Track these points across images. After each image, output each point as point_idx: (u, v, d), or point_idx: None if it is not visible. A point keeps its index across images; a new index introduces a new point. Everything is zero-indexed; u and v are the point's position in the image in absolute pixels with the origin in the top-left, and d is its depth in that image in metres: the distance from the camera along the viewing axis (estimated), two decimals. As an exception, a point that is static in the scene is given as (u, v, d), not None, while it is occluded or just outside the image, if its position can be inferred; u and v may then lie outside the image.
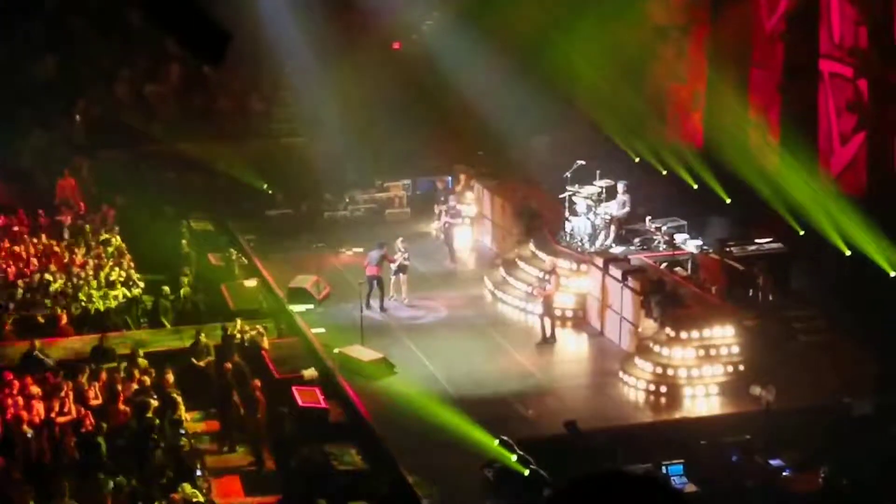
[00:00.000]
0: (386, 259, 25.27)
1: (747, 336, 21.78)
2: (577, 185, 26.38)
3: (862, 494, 17.81)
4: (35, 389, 19.96)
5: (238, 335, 22.69)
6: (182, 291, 25.46)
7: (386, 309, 25.18)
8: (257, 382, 20.38)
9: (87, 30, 34.51)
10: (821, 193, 23.93)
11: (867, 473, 18.06)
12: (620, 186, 26.30)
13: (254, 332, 22.59)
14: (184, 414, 19.58)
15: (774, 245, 24.37)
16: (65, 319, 24.13)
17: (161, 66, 34.71)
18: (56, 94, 32.85)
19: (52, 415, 19.17)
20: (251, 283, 26.65)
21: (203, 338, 22.28)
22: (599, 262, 24.00)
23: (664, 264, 25.00)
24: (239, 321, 23.22)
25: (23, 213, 29.21)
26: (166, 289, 25.36)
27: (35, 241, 28.19)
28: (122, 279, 26.11)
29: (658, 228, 26.04)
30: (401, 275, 25.60)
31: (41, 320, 24.20)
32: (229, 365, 20.97)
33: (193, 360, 21.96)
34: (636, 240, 26.05)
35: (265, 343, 22.46)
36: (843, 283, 23.42)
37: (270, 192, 32.63)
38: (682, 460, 18.37)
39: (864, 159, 23.50)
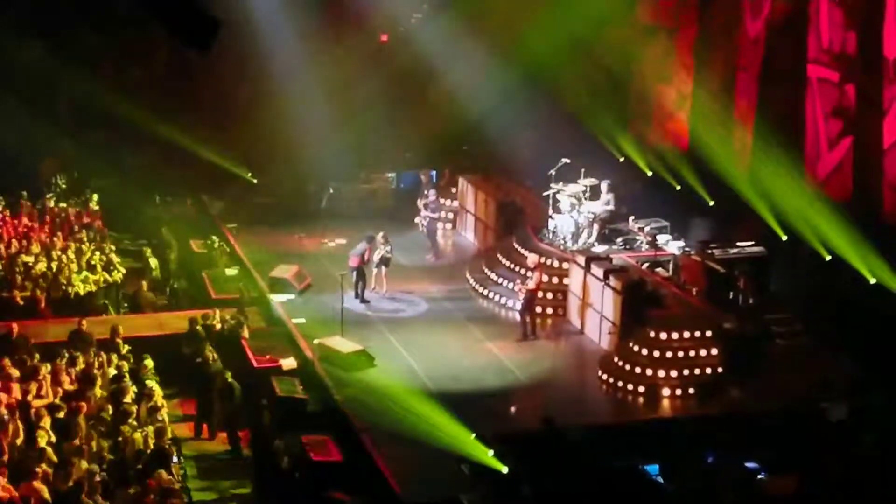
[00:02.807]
0: (366, 255, 25.29)
1: (726, 338, 21.86)
2: (561, 183, 26.45)
3: (836, 498, 17.88)
4: (13, 372, 19.87)
5: (218, 324, 22.66)
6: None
7: (367, 300, 25.20)
8: (227, 373, 20.35)
9: (73, 12, 34.30)
10: (804, 198, 24.01)
11: (841, 477, 18.13)
12: (604, 185, 26.37)
13: (234, 322, 22.55)
14: (161, 401, 19.52)
15: (756, 248, 24.45)
16: (44, 302, 24.07)
17: (147, 51, 34.56)
18: (41, 76, 32.68)
19: (29, 398, 19.09)
20: (232, 271, 26.66)
21: (199, 327, 22.15)
22: (581, 260, 24.05)
23: (646, 265, 25.07)
24: (217, 311, 23.19)
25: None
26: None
27: (16, 222, 28.15)
28: (102, 263, 26.08)
29: (641, 229, 26.11)
30: (383, 267, 25.64)
31: (21, 302, 24.13)
32: (208, 353, 20.94)
33: (185, 348, 21.80)
34: (619, 239, 26.10)
35: (246, 332, 22.43)
36: (822, 287, 23.51)
37: (255, 180, 32.65)
38: (657, 460, 18.43)
39: (851, 164, 23.58)
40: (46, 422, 17.99)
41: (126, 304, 25.29)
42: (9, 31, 32.91)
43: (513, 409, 20.59)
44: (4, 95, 31.60)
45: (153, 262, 26.94)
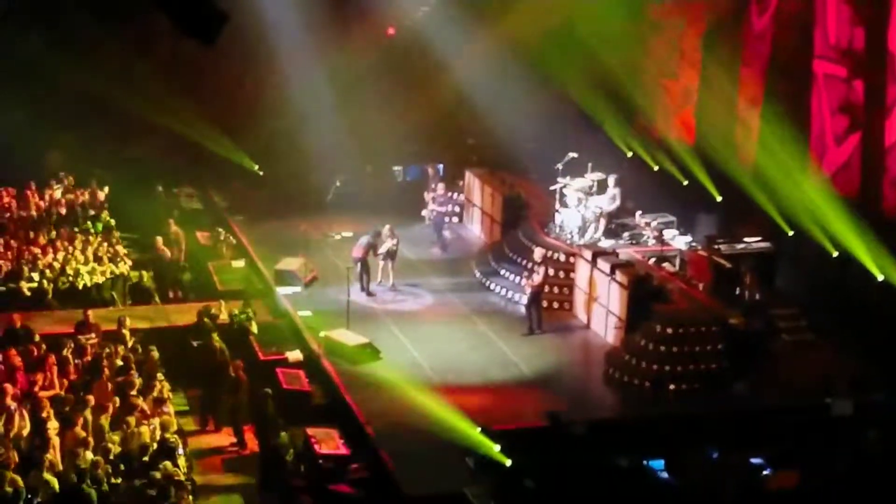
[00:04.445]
0: (372, 248, 25.32)
1: (732, 334, 21.85)
2: (568, 178, 26.45)
3: (839, 494, 17.87)
4: (18, 361, 19.92)
5: (223, 315, 22.67)
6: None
7: (372, 293, 25.22)
8: (240, 363, 20.35)
9: (76, 3, 34.21)
10: (810, 193, 23.98)
11: (845, 474, 18.13)
12: (611, 180, 26.35)
13: (243, 317, 22.52)
14: (167, 393, 19.55)
15: (762, 244, 24.43)
16: (51, 293, 24.11)
17: (151, 43, 34.50)
18: (44, 67, 32.63)
19: (36, 388, 19.13)
20: (238, 263, 26.69)
21: (207, 320, 22.15)
22: (588, 255, 24.05)
23: (652, 259, 25.06)
24: (223, 303, 23.21)
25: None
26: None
27: (24, 214, 28.21)
28: (109, 255, 26.12)
29: (648, 223, 26.09)
30: (389, 260, 25.65)
31: (28, 294, 24.19)
32: (216, 345, 20.95)
33: (192, 340, 21.81)
34: (625, 234, 26.10)
35: (254, 328, 22.37)
36: (828, 283, 23.49)
37: (261, 173, 32.67)
38: (662, 455, 18.43)
39: (859, 161, 23.53)
40: (52, 412, 18.04)
41: (129, 296, 25.27)
42: (11, 21, 32.86)
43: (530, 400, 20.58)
44: (7, 87, 31.56)
45: (168, 252, 26.95)
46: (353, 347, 21.95)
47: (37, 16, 33.33)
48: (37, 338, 21.19)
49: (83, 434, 17.54)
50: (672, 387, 20.99)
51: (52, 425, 17.72)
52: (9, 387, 18.55)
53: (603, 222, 26.06)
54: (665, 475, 18.06)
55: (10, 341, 20.97)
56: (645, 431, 19.51)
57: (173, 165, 32.03)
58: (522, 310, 24.10)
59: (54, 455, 17.07)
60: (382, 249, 25.54)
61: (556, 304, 24.64)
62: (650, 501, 17.76)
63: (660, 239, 25.62)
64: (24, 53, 32.48)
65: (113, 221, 28.55)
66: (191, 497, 16.68)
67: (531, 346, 22.97)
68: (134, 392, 19.00)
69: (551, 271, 24.36)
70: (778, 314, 23.22)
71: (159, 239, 27.10)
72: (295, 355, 21.69)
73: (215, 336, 21.34)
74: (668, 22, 29.44)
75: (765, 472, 18.26)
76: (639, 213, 26.47)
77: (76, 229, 27.60)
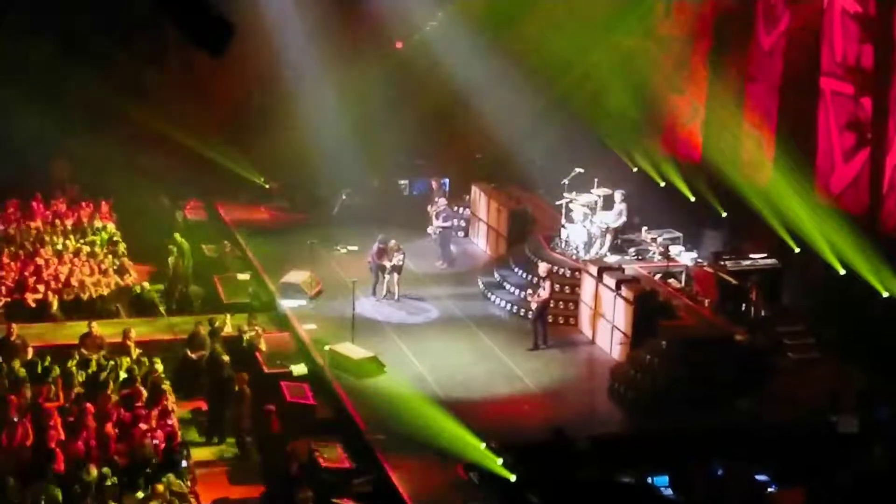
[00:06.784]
0: (375, 256, 25.46)
1: (737, 350, 21.80)
2: (574, 193, 26.45)
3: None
4: (22, 373, 19.92)
5: (228, 328, 22.66)
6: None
7: (375, 294, 25.33)
8: (244, 376, 20.34)
9: (86, 12, 34.29)
10: (817, 210, 23.96)
11: (850, 491, 18.08)
12: (618, 195, 26.35)
13: (252, 333, 22.48)
14: (172, 404, 19.55)
15: (769, 260, 24.41)
16: (55, 305, 24.12)
17: (161, 52, 34.56)
18: (52, 76, 32.67)
19: (40, 399, 19.12)
20: (244, 276, 26.68)
21: (202, 330, 22.14)
22: (593, 270, 24.03)
23: (658, 275, 25.04)
24: (227, 316, 23.19)
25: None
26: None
27: (29, 225, 28.24)
28: (115, 267, 26.13)
29: (653, 239, 26.09)
30: (395, 275, 25.68)
31: (32, 305, 24.19)
32: (222, 357, 20.92)
33: (188, 352, 21.82)
34: (631, 250, 26.08)
35: (262, 345, 22.31)
36: (834, 301, 23.45)
37: (267, 185, 32.69)
38: (666, 471, 18.38)
39: (867, 178, 23.49)
40: (57, 423, 18.03)
41: (125, 307, 25.26)
42: (21, 29, 32.89)
43: (526, 406, 20.49)
44: (16, 95, 31.60)
45: (180, 262, 26.94)
46: (358, 361, 21.92)
47: (47, 24, 33.37)
48: (30, 350, 21.15)
49: (87, 447, 17.51)
50: (678, 402, 20.93)
51: (56, 437, 17.71)
52: (13, 398, 18.56)
53: (609, 238, 26.05)
54: (669, 491, 18.02)
55: (4, 352, 20.92)
56: (649, 447, 19.47)
57: (181, 177, 32.03)
58: (528, 324, 24.07)
59: (59, 467, 17.04)
60: (388, 264, 25.58)
61: (561, 319, 24.61)
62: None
63: (666, 255, 25.62)
64: (34, 62, 32.52)
65: (118, 234, 28.56)
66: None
67: (536, 361, 22.94)
68: (139, 404, 19.00)
69: (557, 286, 24.33)
70: (784, 331, 23.18)
71: (173, 249, 27.10)
72: (300, 368, 21.66)
73: (220, 349, 21.35)
74: (676, 38, 29.45)
75: (769, 490, 18.22)
76: (645, 228, 26.46)
77: (81, 241, 27.62)
